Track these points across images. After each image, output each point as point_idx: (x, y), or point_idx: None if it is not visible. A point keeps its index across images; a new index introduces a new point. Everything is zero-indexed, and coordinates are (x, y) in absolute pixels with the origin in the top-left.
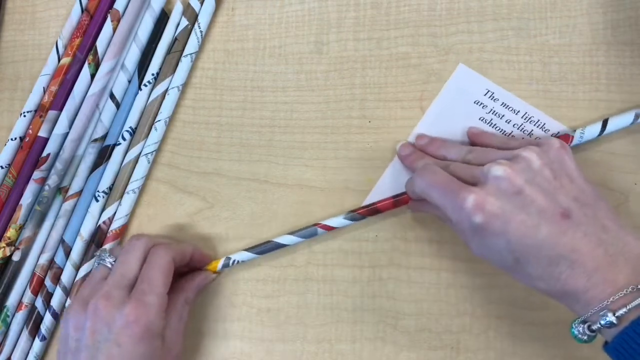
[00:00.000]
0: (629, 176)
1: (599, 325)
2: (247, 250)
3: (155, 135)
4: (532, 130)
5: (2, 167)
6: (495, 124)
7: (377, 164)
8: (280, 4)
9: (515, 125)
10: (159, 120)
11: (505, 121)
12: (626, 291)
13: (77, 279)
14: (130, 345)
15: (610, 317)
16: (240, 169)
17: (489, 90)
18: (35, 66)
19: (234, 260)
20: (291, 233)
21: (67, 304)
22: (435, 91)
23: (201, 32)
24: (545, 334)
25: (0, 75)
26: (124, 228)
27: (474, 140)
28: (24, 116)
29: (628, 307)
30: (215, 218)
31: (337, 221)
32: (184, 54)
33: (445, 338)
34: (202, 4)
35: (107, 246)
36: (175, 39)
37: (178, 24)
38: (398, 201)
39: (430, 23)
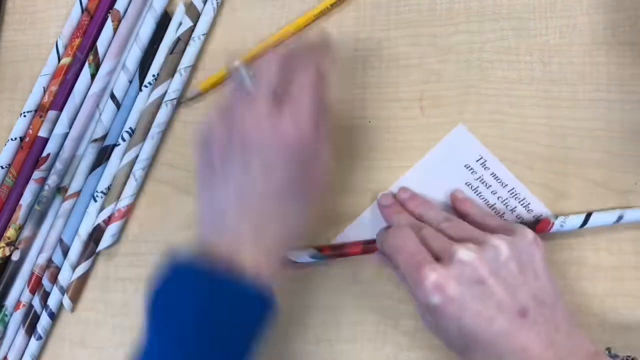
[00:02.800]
0: (629, 176)
1: None
2: None
3: (156, 135)
4: (516, 207)
5: (2, 167)
6: (480, 193)
7: (377, 164)
8: (281, 4)
9: (499, 198)
10: (157, 125)
11: (491, 192)
12: None
13: (73, 278)
14: (286, 155)
15: None
16: None
17: (482, 157)
18: (35, 66)
19: None
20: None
21: (64, 302)
22: (435, 91)
23: (204, 33)
24: None
25: (0, 75)
26: (129, 209)
27: (455, 204)
28: (24, 116)
29: None
30: None
31: (300, 256)
32: (185, 54)
33: None
34: (204, 3)
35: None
36: (179, 39)
37: (180, 24)
38: (367, 249)
39: (430, 23)
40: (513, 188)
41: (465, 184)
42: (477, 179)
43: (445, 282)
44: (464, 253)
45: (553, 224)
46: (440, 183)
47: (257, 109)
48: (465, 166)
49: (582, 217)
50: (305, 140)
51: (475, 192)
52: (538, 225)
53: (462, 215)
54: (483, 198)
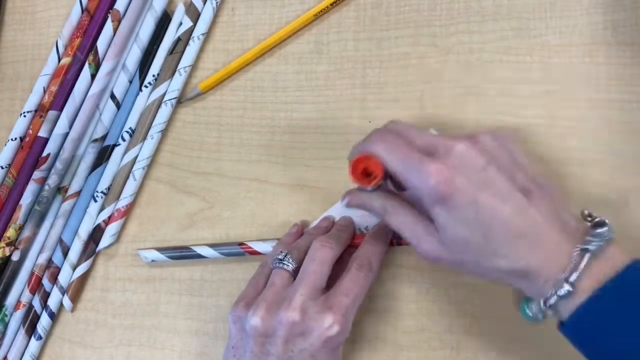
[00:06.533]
0: (629, 176)
1: (557, 297)
2: (160, 250)
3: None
4: None
5: (2, 167)
6: None
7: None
8: (280, 4)
9: None
10: (157, 125)
11: None
12: (575, 256)
13: (73, 278)
14: (325, 356)
15: (567, 287)
16: (240, 169)
17: None
18: (35, 66)
19: (146, 257)
20: (213, 246)
21: (63, 302)
22: (435, 91)
23: (203, 33)
24: (545, 334)
25: (0, 75)
26: (129, 208)
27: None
28: (24, 116)
29: (578, 271)
30: (215, 218)
31: (264, 247)
32: (185, 54)
33: (445, 338)
34: (204, 3)
35: (282, 247)
36: (179, 38)
37: (180, 24)
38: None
39: (430, 23)
40: None
41: None
42: None
43: (451, 174)
44: (460, 146)
45: None
46: None
47: (299, 308)
48: None
49: None
50: (344, 334)
51: None
52: None
53: None
54: None
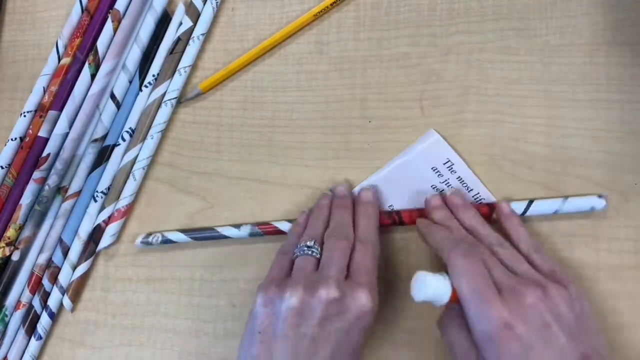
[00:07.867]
0: (629, 176)
1: None
2: (182, 231)
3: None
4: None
5: (2, 167)
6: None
7: (377, 164)
8: (280, 4)
9: None
10: (157, 125)
11: None
12: None
13: (73, 278)
14: (358, 334)
15: None
16: (240, 169)
17: (449, 160)
18: (35, 66)
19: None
20: (237, 226)
21: (63, 302)
22: (435, 91)
23: (203, 33)
24: None
25: (0, 75)
26: (129, 208)
27: (501, 219)
28: (24, 116)
29: None
30: (215, 218)
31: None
32: (185, 54)
33: None
34: (204, 3)
35: (309, 236)
36: (179, 38)
37: (180, 24)
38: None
39: (430, 23)
40: (478, 193)
41: (431, 186)
42: (444, 182)
43: (514, 321)
44: (532, 298)
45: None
46: (407, 185)
47: (330, 291)
48: (432, 169)
49: (525, 204)
50: (375, 310)
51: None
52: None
53: (504, 235)
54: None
